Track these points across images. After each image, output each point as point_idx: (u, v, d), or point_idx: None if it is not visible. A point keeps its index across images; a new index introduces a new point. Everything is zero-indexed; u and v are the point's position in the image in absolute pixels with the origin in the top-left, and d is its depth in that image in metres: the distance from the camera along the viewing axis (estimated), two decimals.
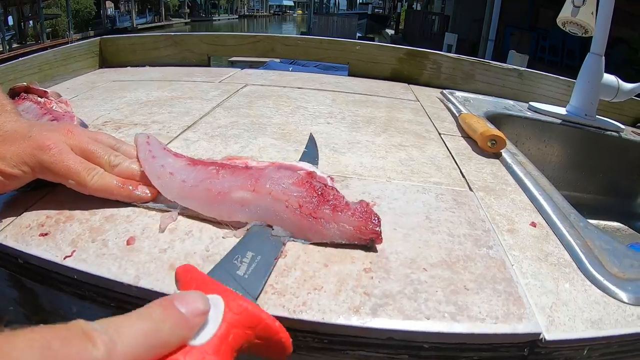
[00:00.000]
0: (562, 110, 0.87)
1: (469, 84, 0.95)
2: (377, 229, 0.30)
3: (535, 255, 0.32)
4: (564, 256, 0.32)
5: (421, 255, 0.31)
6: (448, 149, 0.53)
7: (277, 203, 0.31)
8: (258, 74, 0.96)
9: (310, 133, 0.51)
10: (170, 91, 0.80)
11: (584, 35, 0.75)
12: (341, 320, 0.25)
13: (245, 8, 60.66)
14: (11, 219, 0.34)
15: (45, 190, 0.37)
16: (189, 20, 44.00)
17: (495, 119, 0.79)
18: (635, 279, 0.32)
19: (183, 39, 1.10)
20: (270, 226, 0.30)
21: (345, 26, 12.36)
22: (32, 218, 0.34)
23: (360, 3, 29.57)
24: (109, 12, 37.90)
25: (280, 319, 0.21)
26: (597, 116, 0.87)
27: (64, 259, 0.29)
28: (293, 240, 0.30)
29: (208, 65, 1.11)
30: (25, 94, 0.64)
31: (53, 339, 0.16)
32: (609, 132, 0.86)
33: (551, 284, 0.29)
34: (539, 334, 0.25)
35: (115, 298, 0.29)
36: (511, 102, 0.91)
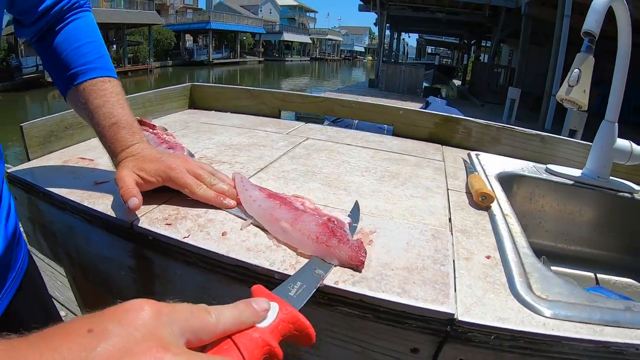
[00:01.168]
0: (577, 173, 0.93)
1: (496, 147, 1.05)
2: (363, 259, 0.46)
3: (477, 275, 0.45)
4: (500, 279, 0.45)
5: (393, 262, 0.47)
6: (449, 201, 0.66)
7: (302, 236, 0.48)
8: (318, 129, 1.13)
9: (356, 201, 0.64)
10: (248, 138, 1.00)
11: (579, 110, 0.86)
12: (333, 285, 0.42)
13: (317, 51, 62.59)
14: (145, 212, 0.56)
15: (169, 195, 0.59)
16: (262, 59, 46.02)
17: (509, 178, 0.90)
18: (555, 301, 0.44)
19: (259, 93, 1.32)
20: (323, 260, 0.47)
21: (412, 76, 12.51)
22: (160, 213, 0.56)
23: (428, 53, 29.65)
24: (187, 45, 40.58)
25: None
26: (611, 178, 0.93)
27: (183, 238, 0.50)
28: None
29: (278, 116, 1.31)
30: (143, 123, 0.85)
31: (190, 310, 0.29)
32: (621, 193, 0.91)
33: (479, 292, 0.42)
34: (453, 314, 0.38)
35: (211, 264, 0.49)
36: (531, 164, 0.98)
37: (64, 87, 0.64)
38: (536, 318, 0.40)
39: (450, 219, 0.59)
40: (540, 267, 0.49)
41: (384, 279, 0.43)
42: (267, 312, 0.33)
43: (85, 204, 0.58)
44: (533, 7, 8.80)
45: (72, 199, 0.60)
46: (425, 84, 15.27)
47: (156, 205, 0.58)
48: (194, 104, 1.40)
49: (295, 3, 60.55)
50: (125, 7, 27.66)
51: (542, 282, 0.47)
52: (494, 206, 0.65)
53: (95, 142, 0.77)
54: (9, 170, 0.76)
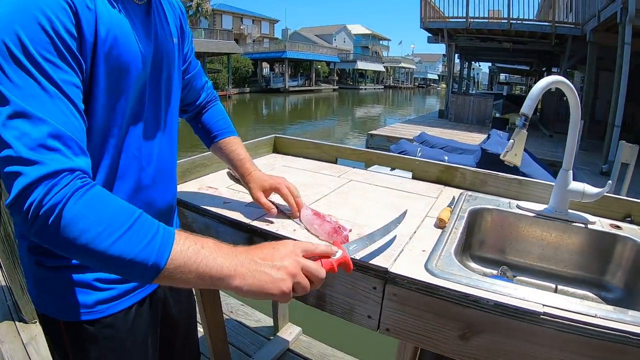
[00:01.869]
0: (541, 208, 1.25)
1: (485, 187, 1.42)
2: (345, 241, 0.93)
3: (411, 256, 0.90)
4: (422, 260, 0.89)
5: (372, 246, 0.92)
6: (421, 223, 1.11)
7: (322, 232, 0.97)
8: (360, 174, 1.60)
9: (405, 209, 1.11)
10: (310, 179, 1.51)
11: (514, 166, 1.21)
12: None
13: (391, 79, 62.49)
14: (256, 217, 1.06)
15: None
16: (336, 87, 46.80)
17: (479, 212, 1.28)
18: (444, 271, 0.85)
19: (321, 145, 1.81)
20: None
21: (480, 106, 12.55)
22: (260, 220, 1.05)
23: (498, 82, 28.85)
24: (264, 72, 42.12)
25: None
26: (569, 211, 1.22)
27: (276, 230, 1.00)
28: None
29: (335, 162, 1.79)
30: None
31: (307, 243, 0.73)
32: (576, 224, 1.19)
33: (407, 263, 0.87)
34: (387, 268, 0.85)
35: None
36: (507, 200, 1.33)
37: (208, 143, 1.19)
38: (429, 276, 0.84)
39: (414, 232, 1.04)
40: (452, 258, 0.93)
41: (365, 252, 0.90)
42: (336, 252, 0.75)
43: (223, 214, 1.14)
44: (598, 34, 8.74)
45: (215, 212, 1.16)
46: (497, 114, 15.10)
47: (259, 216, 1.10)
48: (276, 150, 1.93)
49: (368, 32, 61.45)
50: (205, 36, 29.36)
51: (445, 265, 0.89)
52: (448, 227, 1.08)
53: (212, 176, 1.46)
54: None
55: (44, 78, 0.57)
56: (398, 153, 5.78)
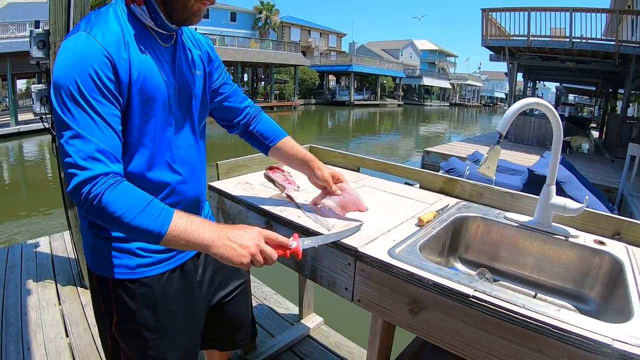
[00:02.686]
0: (526, 219, 1.36)
1: (481, 199, 1.57)
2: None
3: (381, 242, 1.13)
4: (389, 246, 1.12)
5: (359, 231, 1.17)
6: (405, 221, 1.32)
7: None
8: (375, 181, 1.82)
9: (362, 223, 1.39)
10: None
11: (489, 179, 1.38)
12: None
13: (457, 96, 60.90)
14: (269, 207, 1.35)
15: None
16: (402, 102, 46.36)
17: (466, 218, 1.45)
18: (403, 257, 1.07)
19: (347, 156, 2.06)
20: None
21: (542, 127, 12.11)
22: (276, 207, 1.34)
23: (562, 103, 27.39)
24: (330, 85, 42.48)
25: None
26: (553, 224, 1.31)
27: (282, 214, 1.30)
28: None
29: (358, 170, 2.01)
30: (276, 169, 1.65)
31: (270, 232, 0.99)
32: (557, 236, 1.29)
33: (378, 247, 1.11)
34: (357, 247, 1.10)
35: (293, 226, 1.26)
36: (497, 211, 1.48)
37: (266, 149, 1.43)
38: (389, 258, 1.06)
39: (395, 227, 1.26)
40: (415, 248, 1.13)
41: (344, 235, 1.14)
42: (292, 244, 0.99)
43: (252, 202, 1.45)
44: None
45: (246, 200, 1.47)
46: None
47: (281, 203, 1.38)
48: None
49: (435, 47, 60.55)
50: (273, 48, 30.36)
51: (405, 252, 1.10)
52: (426, 227, 1.28)
53: (250, 175, 1.78)
54: (210, 183, 1.66)
55: (93, 111, 0.87)
56: (447, 171, 5.90)
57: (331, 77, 43.48)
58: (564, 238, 1.30)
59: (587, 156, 12.61)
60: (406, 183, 1.82)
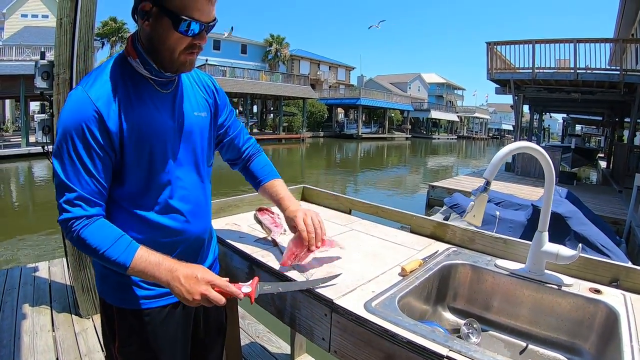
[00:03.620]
0: (518, 267, 1.31)
1: (473, 244, 1.53)
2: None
3: (358, 294, 1.10)
4: (367, 298, 1.09)
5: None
6: (388, 270, 1.28)
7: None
8: (364, 225, 1.80)
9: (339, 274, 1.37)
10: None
11: (475, 226, 1.36)
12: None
13: (465, 129, 61.34)
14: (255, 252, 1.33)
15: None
16: (409, 135, 46.68)
17: (454, 265, 1.41)
18: (378, 311, 1.03)
19: (339, 197, 2.05)
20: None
21: None
22: (262, 254, 1.33)
23: (569, 134, 27.27)
24: (339, 118, 42.90)
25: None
26: (546, 272, 1.26)
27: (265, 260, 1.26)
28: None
29: (349, 213, 1.99)
30: (266, 211, 1.67)
31: (217, 276, 1.05)
32: (550, 285, 1.24)
33: (353, 300, 1.08)
34: (332, 299, 1.07)
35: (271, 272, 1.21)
36: (489, 258, 1.43)
37: (256, 186, 1.47)
38: (364, 312, 1.02)
39: (376, 277, 1.24)
40: (394, 301, 1.10)
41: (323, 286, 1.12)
42: (245, 289, 1.06)
43: (235, 245, 1.44)
44: None
45: (231, 243, 1.47)
46: (567, 167, 14.40)
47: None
48: (304, 198, 2.20)
49: (443, 80, 61.27)
50: (283, 80, 31.02)
51: (383, 306, 1.06)
52: (409, 277, 1.25)
53: (240, 216, 1.78)
54: None
55: (80, 164, 1.00)
56: (450, 206, 5.85)
57: (339, 110, 43.97)
58: (557, 287, 1.25)
59: (594, 187, 12.48)
60: (402, 227, 1.80)
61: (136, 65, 1.07)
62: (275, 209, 1.91)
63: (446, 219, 5.66)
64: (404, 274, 1.26)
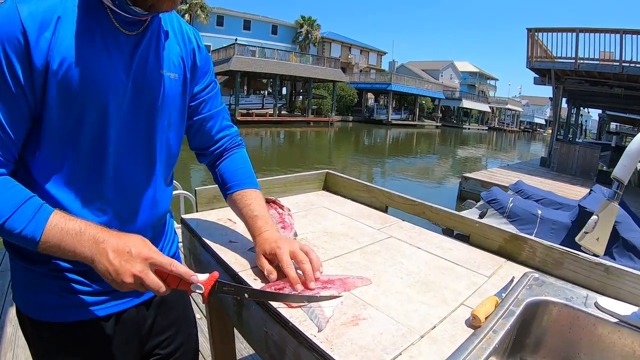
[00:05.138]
0: (628, 311, 0.90)
1: (559, 270, 1.09)
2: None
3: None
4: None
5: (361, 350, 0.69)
6: (449, 314, 0.83)
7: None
8: (407, 228, 1.35)
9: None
10: (346, 228, 1.29)
11: (595, 255, 0.90)
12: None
13: (496, 121, 60.25)
14: (245, 269, 0.88)
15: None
16: (440, 124, 46.02)
17: (541, 303, 0.96)
18: None
19: (373, 189, 1.59)
20: None
21: (586, 157, 11.30)
22: (248, 274, 0.85)
23: (607, 131, 26.04)
24: (369, 103, 42.59)
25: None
26: None
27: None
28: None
29: (385, 211, 1.54)
30: (273, 204, 1.22)
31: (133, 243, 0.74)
32: None
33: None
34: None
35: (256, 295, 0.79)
36: (585, 293, 0.99)
37: (224, 195, 1.08)
38: None
39: (433, 327, 0.78)
40: None
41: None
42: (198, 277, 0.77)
43: (219, 254, 1.02)
44: None
45: (214, 249, 1.05)
46: (604, 167, 13.59)
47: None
48: (326, 187, 1.74)
49: (475, 69, 59.84)
50: (313, 62, 30.57)
51: None
52: (484, 329, 0.79)
53: None
54: (182, 216, 1.28)
55: None
56: (488, 201, 5.33)
57: (370, 95, 43.36)
58: None
59: (633, 189, 11.64)
60: (457, 235, 1.32)
61: None
62: (285, 201, 1.47)
63: (482, 214, 5.15)
64: (476, 324, 0.80)
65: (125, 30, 0.80)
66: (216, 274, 0.79)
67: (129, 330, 0.95)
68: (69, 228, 0.72)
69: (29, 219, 0.70)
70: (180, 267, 0.77)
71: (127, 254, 0.73)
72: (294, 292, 0.83)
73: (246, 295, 0.82)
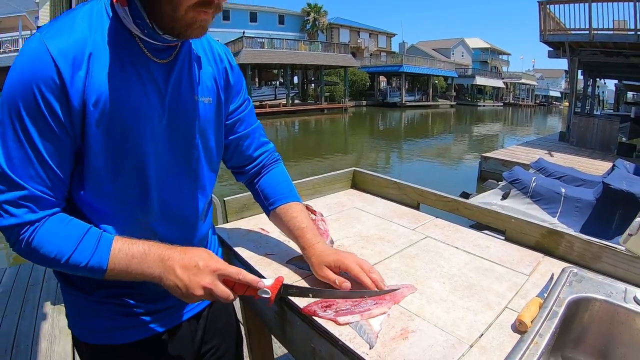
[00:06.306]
0: None
1: (597, 264, 1.08)
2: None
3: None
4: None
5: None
6: (495, 320, 0.84)
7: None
8: (442, 226, 1.35)
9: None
10: (380, 231, 1.30)
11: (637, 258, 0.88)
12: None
13: (511, 96, 58.95)
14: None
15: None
16: (454, 103, 45.27)
17: (582, 301, 0.96)
18: None
19: (403, 186, 1.59)
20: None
21: (605, 129, 10.99)
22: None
23: (625, 102, 25.20)
24: (381, 86, 42.13)
25: None
26: None
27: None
28: None
29: (417, 208, 1.55)
30: (306, 210, 1.25)
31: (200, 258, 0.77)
32: None
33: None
34: None
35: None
36: (624, 287, 0.98)
37: (267, 211, 1.09)
38: None
39: (481, 335, 0.79)
40: None
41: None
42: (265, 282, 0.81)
43: (255, 267, 1.05)
44: None
45: (250, 263, 1.08)
46: (623, 138, 13.25)
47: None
48: (354, 186, 1.75)
49: (487, 45, 58.52)
50: (322, 49, 30.24)
51: None
52: (530, 333, 0.79)
53: None
54: (216, 226, 1.28)
55: (30, 147, 0.69)
56: (510, 181, 5.26)
57: (382, 78, 42.84)
58: None
59: None
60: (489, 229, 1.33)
61: (123, 15, 0.73)
62: (316, 204, 1.48)
63: (505, 195, 5.11)
64: (522, 329, 0.81)
65: (157, 59, 0.79)
66: (281, 278, 0.84)
67: (183, 343, 0.97)
68: (133, 252, 0.75)
69: (93, 251, 0.72)
70: (248, 276, 0.80)
71: (195, 268, 0.76)
72: (346, 301, 0.87)
73: (310, 295, 0.87)
